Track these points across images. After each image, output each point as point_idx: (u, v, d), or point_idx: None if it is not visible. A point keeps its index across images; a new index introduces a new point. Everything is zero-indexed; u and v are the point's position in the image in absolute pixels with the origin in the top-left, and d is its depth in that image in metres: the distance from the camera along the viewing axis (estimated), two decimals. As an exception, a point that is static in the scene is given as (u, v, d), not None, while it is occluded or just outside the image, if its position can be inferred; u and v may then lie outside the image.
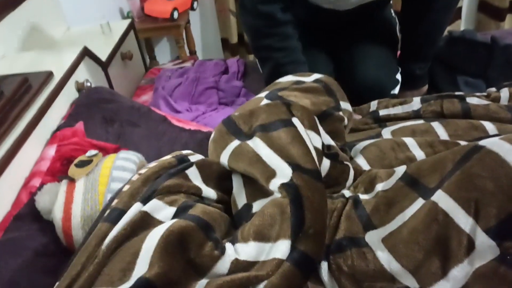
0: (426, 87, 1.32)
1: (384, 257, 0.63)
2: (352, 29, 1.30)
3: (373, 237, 0.66)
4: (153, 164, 0.78)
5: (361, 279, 0.64)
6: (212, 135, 0.84)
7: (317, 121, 0.82)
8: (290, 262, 0.61)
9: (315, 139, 0.78)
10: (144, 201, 0.69)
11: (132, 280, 0.56)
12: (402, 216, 0.66)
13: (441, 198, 0.61)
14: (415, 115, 1.06)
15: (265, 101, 0.88)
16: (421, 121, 1.00)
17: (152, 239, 0.61)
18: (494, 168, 0.58)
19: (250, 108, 0.83)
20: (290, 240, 0.63)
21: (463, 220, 0.58)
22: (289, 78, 0.97)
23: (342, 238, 0.68)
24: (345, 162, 0.83)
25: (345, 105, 0.95)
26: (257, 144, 0.73)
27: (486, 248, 0.57)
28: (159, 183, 0.72)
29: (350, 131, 1.06)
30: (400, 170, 0.75)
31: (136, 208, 0.67)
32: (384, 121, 1.08)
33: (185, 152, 0.83)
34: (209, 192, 0.77)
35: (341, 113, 0.92)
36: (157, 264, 0.58)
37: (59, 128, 1.03)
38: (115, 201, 0.71)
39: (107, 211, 0.69)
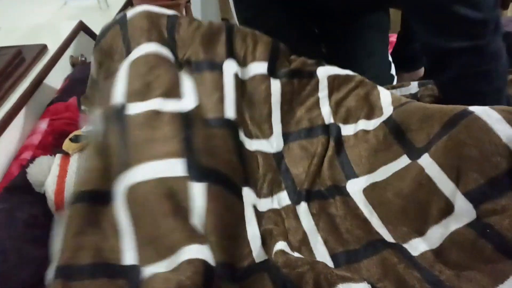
0: (423, 69, 1.30)
1: (367, 211, 0.65)
2: (349, 17, 1.24)
3: (354, 187, 0.68)
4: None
5: (341, 225, 0.65)
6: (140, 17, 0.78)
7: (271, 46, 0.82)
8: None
9: (257, 67, 0.80)
10: None
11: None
12: (386, 170, 0.67)
13: (428, 164, 0.62)
14: (413, 98, 1.05)
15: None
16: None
17: None
18: (479, 136, 0.59)
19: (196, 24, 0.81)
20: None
21: (445, 185, 0.60)
22: None
23: (327, 186, 0.70)
24: (316, 75, 0.83)
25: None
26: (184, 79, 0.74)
27: (463, 211, 0.58)
28: None
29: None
30: (387, 113, 0.76)
31: None
32: None
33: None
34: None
35: None
36: None
37: (52, 102, 1.03)
38: None
39: None
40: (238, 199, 0.66)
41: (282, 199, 0.70)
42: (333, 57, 1.21)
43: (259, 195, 0.70)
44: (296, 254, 0.58)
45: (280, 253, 0.57)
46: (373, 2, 1.02)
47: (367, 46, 1.18)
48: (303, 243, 0.64)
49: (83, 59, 1.18)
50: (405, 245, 0.60)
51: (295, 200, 0.69)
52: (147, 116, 0.66)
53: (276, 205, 0.69)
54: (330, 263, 0.61)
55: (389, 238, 0.62)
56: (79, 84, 1.08)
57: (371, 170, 0.68)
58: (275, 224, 0.65)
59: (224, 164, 0.67)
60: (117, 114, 0.68)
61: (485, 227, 0.56)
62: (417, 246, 0.59)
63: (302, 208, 0.68)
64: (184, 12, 2.44)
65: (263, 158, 0.75)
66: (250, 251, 0.62)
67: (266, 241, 0.62)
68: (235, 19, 1.16)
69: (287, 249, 0.58)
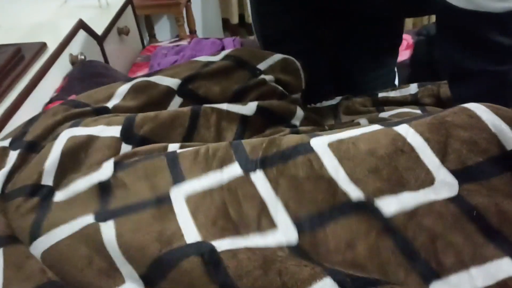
0: None
1: (332, 166, 0.58)
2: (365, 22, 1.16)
3: (318, 141, 0.61)
4: None
5: (303, 186, 0.59)
6: None
7: None
8: None
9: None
10: None
11: None
12: (355, 131, 0.62)
13: (409, 134, 0.58)
14: (412, 98, 1.05)
15: (177, 98, 0.87)
16: (418, 111, 1.00)
17: None
18: (469, 122, 0.58)
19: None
20: None
21: (429, 158, 0.56)
22: (201, 59, 0.96)
23: (285, 149, 0.62)
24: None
25: (271, 60, 0.96)
26: None
27: (445, 184, 0.55)
28: None
29: (347, 112, 1.05)
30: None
31: None
32: (382, 104, 1.07)
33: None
34: None
35: (262, 75, 0.91)
36: None
37: (51, 101, 1.03)
38: None
39: None
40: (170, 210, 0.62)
41: (233, 171, 0.63)
42: (340, 61, 1.21)
43: (202, 171, 0.64)
44: (244, 242, 0.54)
45: (229, 255, 0.52)
46: (396, 9, 1.01)
47: (377, 58, 1.18)
48: (262, 212, 0.58)
49: (83, 57, 1.17)
50: (376, 202, 0.55)
51: (248, 169, 0.62)
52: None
53: (225, 178, 0.62)
54: (294, 232, 0.56)
55: (358, 194, 0.56)
56: (78, 83, 1.08)
57: (338, 131, 0.63)
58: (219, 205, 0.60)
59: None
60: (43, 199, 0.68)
61: (470, 208, 0.53)
62: (389, 205, 0.54)
63: (257, 176, 0.61)
64: (184, 12, 2.44)
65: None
66: (182, 235, 0.57)
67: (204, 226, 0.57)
68: (250, 17, 1.15)
69: (235, 243, 0.55)
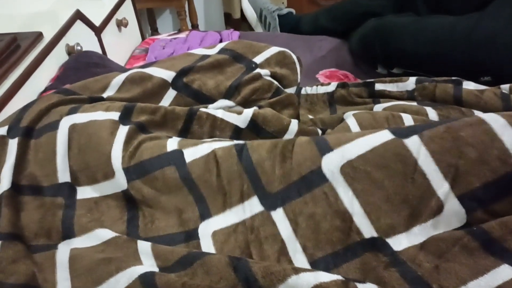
0: None
1: (347, 199, 0.60)
2: None
3: (330, 166, 0.61)
4: None
5: (320, 226, 0.61)
6: None
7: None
8: None
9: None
10: None
11: None
12: (365, 142, 0.61)
13: (421, 154, 0.58)
14: (409, 95, 1.04)
15: (171, 91, 0.88)
16: (414, 103, 0.99)
17: None
18: (484, 140, 0.57)
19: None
20: None
21: (439, 184, 0.57)
22: (197, 52, 0.96)
23: (297, 180, 0.63)
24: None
25: (267, 53, 0.96)
26: None
27: (453, 213, 0.56)
28: None
29: (343, 103, 1.04)
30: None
31: None
32: (378, 97, 1.06)
33: None
34: None
35: (258, 69, 0.91)
36: None
37: (45, 90, 1.02)
38: None
39: None
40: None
41: (254, 205, 0.65)
42: None
43: (225, 206, 0.66)
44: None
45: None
46: None
47: None
48: (282, 253, 0.61)
49: (79, 48, 1.17)
50: (388, 240, 0.57)
51: (269, 205, 0.64)
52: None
53: (248, 214, 0.65)
54: None
55: (371, 231, 0.58)
56: (74, 72, 1.08)
57: (347, 140, 0.62)
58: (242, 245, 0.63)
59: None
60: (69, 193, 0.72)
61: (477, 233, 0.54)
62: (400, 242, 0.57)
63: (279, 215, 0.63)
64: (186, 6, 2.43)
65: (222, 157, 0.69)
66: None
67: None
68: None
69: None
